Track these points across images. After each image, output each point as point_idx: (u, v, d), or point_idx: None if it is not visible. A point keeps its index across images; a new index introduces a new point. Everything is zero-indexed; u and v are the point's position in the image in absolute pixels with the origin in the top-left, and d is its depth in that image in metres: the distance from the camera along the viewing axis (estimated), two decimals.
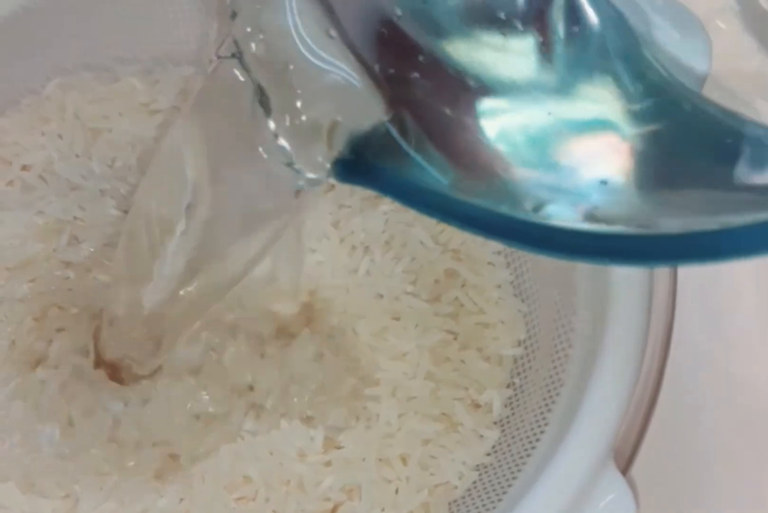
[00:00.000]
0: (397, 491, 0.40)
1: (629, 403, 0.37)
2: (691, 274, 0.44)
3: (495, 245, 0.43)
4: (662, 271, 0.42)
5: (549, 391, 0.40)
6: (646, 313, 0.38)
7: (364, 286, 0.43)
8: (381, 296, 0.43)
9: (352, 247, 0.43)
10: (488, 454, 0.41)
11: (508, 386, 0.42)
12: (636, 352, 0.37)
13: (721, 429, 0.42)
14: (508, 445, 0.40)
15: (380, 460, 0.40)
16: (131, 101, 0.45)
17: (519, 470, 0.39)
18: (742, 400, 0.42)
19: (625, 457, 0.39)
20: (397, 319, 0.43)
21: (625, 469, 0.39)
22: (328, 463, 0.40)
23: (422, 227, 0.44)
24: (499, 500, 0.37)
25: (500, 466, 0.40)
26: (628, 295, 0.38)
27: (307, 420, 0.41)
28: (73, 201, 0.44)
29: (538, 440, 0.39)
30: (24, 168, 0.45)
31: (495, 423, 0.41)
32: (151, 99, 0.45)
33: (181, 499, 0.39)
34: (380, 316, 0.43)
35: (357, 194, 0.44)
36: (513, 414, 0.41)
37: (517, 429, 0.41)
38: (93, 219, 0.43)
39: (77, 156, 0.45)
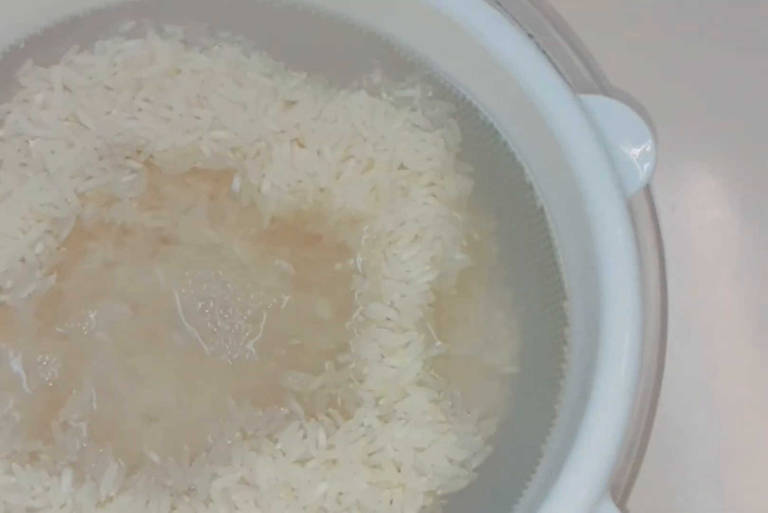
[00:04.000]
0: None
1: (625, 437, 0.37)
2: (681, 309, 0.45)
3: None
4: (653, 304, 0.42)
5: (543, 421, 0.40)
6: (639, 346, 0.38)
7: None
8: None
9: None
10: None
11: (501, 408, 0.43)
12: (630, 384, 0.37)
13: (714, 459, 0.43)
14: (502, 476, 0.40)
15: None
16: None
17: (515, 502, 0.39)
18: (734, 428, 0.43)
19: (620, 490, 0.40)
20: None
21: (621, 502, 0.40)
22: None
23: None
24: None
25: (494, 498, 0.40)
26: (621, 328, 0.38)
27: None
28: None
29: (533, 472, 0.39)
30: None
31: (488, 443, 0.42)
32: None
33: None
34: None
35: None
36: (507, 442, 0.41)
37: (511, 460, 0.40)
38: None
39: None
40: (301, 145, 0.44)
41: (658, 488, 0.43)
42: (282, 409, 0.41)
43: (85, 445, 0.40)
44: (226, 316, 0.43)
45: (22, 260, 0.43)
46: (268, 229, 0.44)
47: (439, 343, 0.43)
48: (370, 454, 0.41)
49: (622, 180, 0.40)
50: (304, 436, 0.41)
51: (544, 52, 0.43)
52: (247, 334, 0.43)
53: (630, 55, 0.49)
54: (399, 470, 0.41)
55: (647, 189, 0.44)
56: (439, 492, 0.41)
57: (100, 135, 0.43)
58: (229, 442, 0.41)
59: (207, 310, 0.43)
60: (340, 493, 0.40)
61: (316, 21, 0.45)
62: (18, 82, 0.44)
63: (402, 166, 0.44)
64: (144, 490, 0.40)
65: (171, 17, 0.45)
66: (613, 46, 0.49)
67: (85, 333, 0.42)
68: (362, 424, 0.41)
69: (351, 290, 0.43)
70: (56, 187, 0.43)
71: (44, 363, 0.42)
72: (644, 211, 0.44)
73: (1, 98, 0.44)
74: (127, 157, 0.44)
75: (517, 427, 0.42)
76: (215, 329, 0.43)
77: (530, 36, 0.44)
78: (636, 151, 0.41)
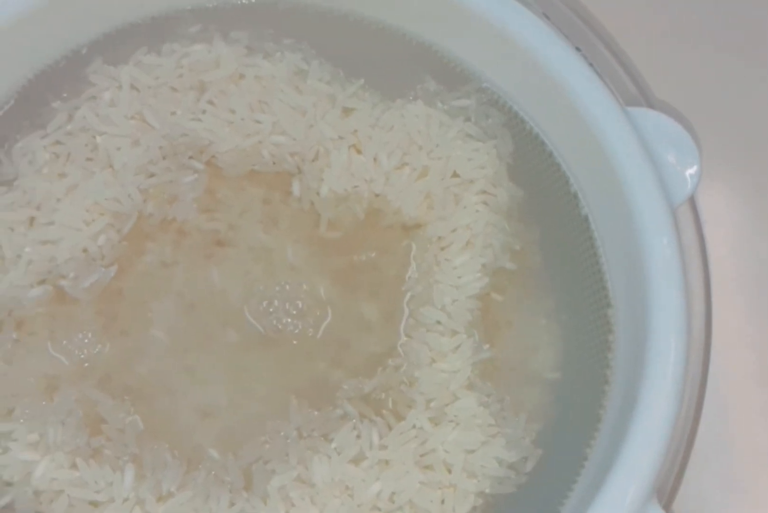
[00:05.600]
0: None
1: (671, 440, 0.38)
2: (728, 306, 0.46)
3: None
4: (698, 312, 0.43)
5: (588, 425, 0.41)
6: (685, 353, 0.39)
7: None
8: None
9: None
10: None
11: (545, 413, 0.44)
12: (676, 390, 0.39)
13: (758, 462, 0.44)
14: (548, 478, 0.42)
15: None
16: None
17: (561, 504, 0.40)
18: None
19: (666, 493, 0.41)
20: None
21: (666, 504, 0.40)
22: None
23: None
24: None
25: (540, 500, 0.41)
26: (667, 336, 0.39)
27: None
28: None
29: (578, 475, 0.40)
30: None
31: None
32: None
33: None
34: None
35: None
36: (552, 446, 0.43)
37: (557, 462, 0.42)
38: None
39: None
40: (359, 152, 0.45)
41: (702, 491, 0.44)
42: (336, 410, 0.42)
43: (142, 438, 0.41)
44: (277, 317, 0.44)
45: (85, 251, 0.43)
46: (321, 233, 0.45)
47: (486, 346, 0.44)
48: (421, 455, 0.42)
49: (667, 191, 0.41)
50: (358, 437, 0.42)
51: (590, 65, 0.44)
52: (297, 335, 0.44)
53: (675, 68, 0.50)
54: (450, 471, 0.42)
55: (691, 200, 0.45)
56: (489, 493, 0.42)
57: (164, 134, 0.44)
58: (288, 440, 0.41)
59: (259, 312, 0.44)
60: (394, 493, 0.41)
61: (368, 31, 0.47)
62: (88, 79, 0.45)
63: (455, 174, 0.45)
64: (203, 486, 0.40)
65: (236, 23, 0.46)
66: (659, 59, 0.50)
67: (143, 331, 0.43)
68: (414, 426, 0.42)
69: (401, 294, 0.44)
70: (120, 183, 0.44)
71: (103, 359, 0.42)
72: (688, 221, 0.45)
73: (71, 94, 0.45)
74: (190, 157, 0.45)
75: (562, 431, 0.43)
76: (267, 330, 0.44)
77: (578, 49, 0.45)
78: (681, 163, 0.42)
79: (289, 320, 0.44)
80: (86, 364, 0.42)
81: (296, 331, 0.43)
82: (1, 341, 0.42)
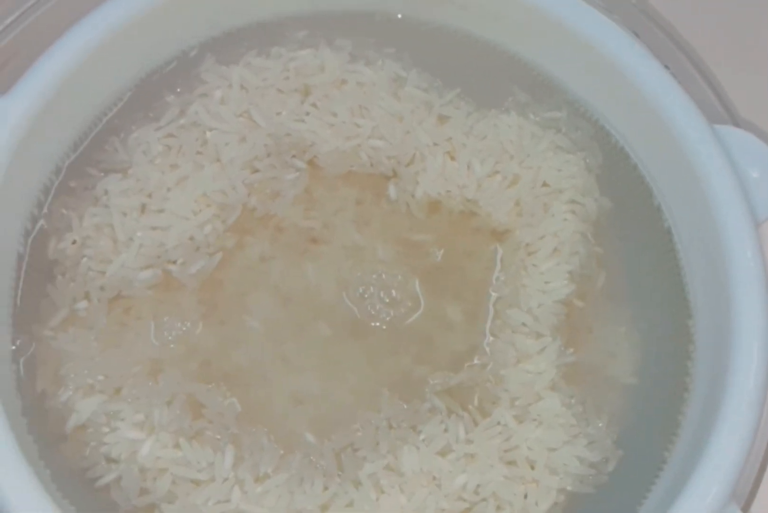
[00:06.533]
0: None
1: (752, 445, 0.39)
2: None
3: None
4: None
5: (666, 430, 0.43)
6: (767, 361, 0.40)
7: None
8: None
9: None
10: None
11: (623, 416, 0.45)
12: (759, 398, 0.40)
13: None
14: (627, 479, 0.43)
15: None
16: None
17: (639, 504, 0.41)
18: None
19: (744, 495, 0.41)
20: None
21: (745, 507, 0.41)
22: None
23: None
24: None
25: (618, 500, 0.42)
26: (750, 345, 0.40)
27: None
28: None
29: (657, 477, 0.41)
30: None
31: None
32: None
33: None
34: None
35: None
36: (630, 448, 0.44)
37: (635, 464, 0.43)
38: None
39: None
40: (452, 158, 0.47)
41: None
42: (425, 403, 0.44)
43: (240, 422, 0.43)
44: (371, 304, 0.45)
45: (191, 239, 0.45)
46: (411, 234, 0.47)
47: (571, 350, 0.45)
48: (506, 451, 0.43)
49: (752, 207, 0.42)
50: (446, 430, 0.43)
51: (678, 83, 0.45)
52: (388, 322, 0.45)
53: (760, 87, 0.52)
54: (533, 468, 0.43)
55: None
56: (571, 490, 0.43)
57: (270, 133, 0.46)
58: (378, 430, 0.43)
59: (355, 297, 0.45)
60: (479, 485, 0.42)
61: (462, 43, 0.49)
62: (200, 77, 0.47)
63: (545, 184, 0.47)
64: (298, 470, 0.42)
65: (341, 31, 0.48)
66: (744, 78, 0.51)
67: (240, 321, 0.45)
68: (499, 423, 0.43)
69: (486, 295, 0.46)
70: (227, 177, 0.46)
71: (203, 345, 0.44)
72: None
73: (184, 90, 0.47)
74: (293, 156, 0.47)
75: (642, 434, 0.44)
76: (361, 315, 0.45)
77: (666, 67, 0.46)
78: (766, 180, 0.43)
79: (383, 307, 0.45)
80: (187, 350, 0.44)
81: (388, 318, 0.45)
82: (110, 324, 0.43)
